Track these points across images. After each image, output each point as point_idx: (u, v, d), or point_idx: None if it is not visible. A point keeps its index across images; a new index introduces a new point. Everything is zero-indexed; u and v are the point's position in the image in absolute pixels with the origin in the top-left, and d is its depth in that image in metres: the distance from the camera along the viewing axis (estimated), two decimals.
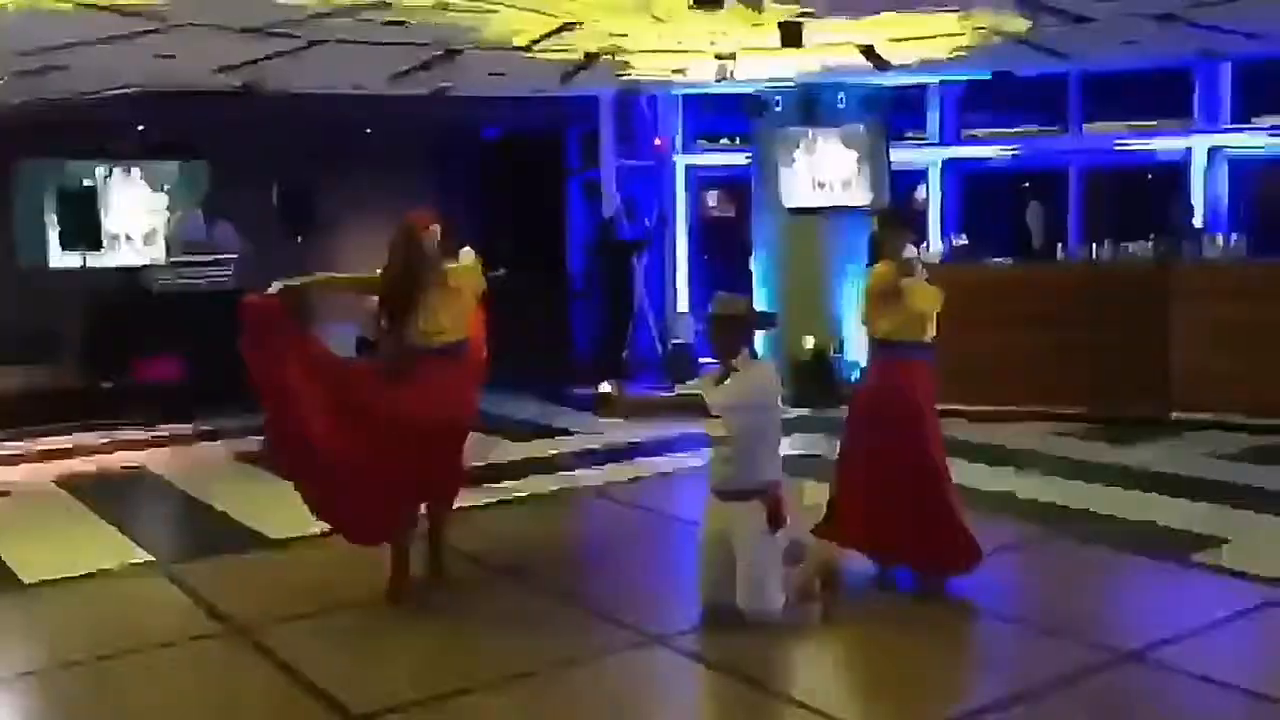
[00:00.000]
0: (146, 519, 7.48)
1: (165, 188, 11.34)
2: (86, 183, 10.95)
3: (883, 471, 5.22)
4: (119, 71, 8.48)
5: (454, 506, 5.78)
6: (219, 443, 9.22)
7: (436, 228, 5.47)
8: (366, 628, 5.13)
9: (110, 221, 10.96)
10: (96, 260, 10.67)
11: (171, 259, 10.81)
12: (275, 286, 5.42)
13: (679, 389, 5.22)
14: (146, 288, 10.61)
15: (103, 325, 10.40)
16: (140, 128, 10.70)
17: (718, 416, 4.86)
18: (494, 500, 7.15)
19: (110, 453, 8.91)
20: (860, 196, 10.32)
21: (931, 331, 5.31)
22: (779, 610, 4.91)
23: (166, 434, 9.49)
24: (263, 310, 5.33)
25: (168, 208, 11.20)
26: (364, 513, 5.33)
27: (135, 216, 11.13)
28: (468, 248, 5.77)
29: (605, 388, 4.97)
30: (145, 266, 10.80)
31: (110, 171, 11.11)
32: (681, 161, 12.48)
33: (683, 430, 8.40)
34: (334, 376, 5.39)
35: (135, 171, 11.18)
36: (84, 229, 10.52)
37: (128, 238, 11.20)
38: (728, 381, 4.95)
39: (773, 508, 4.92)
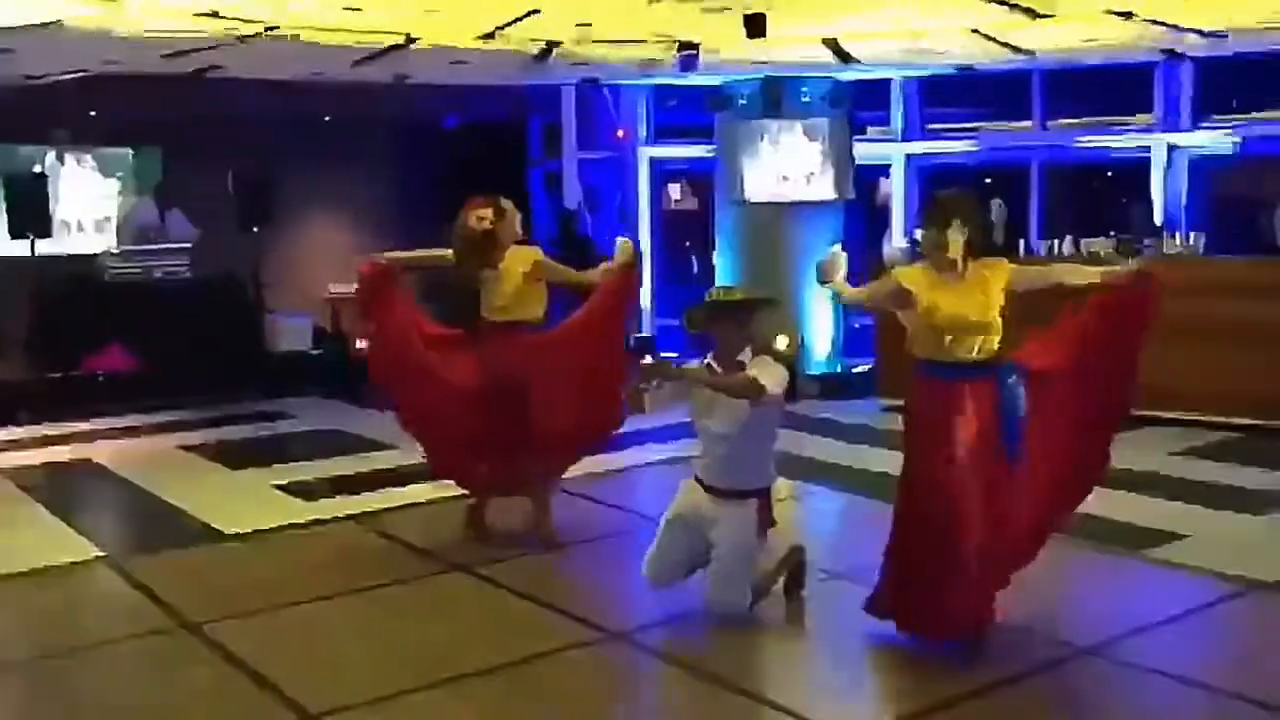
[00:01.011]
0: (96, 513, 7.34)
1: (118, 175, 11.17)
2: (36, 169, 10.76)
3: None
4: (69, 55, 8.30)
5: (545, 474, 6.09)
6: (171, 435, 9.06)
7: (485, 212, 5.72)
8: (321, 624, 5.06)
9: (61, 208, 10.77)
10: (47, 248, 10.47)
11: (123, 247, 10.63)
12: (382, 258, 6.04)
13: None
14: (98, 276, 10.42)
15: (52, 314, 10.20)
16: (92, 113, 10.50)
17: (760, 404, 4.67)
18: (451, 494, 7.08)
19: (58, 445, 8.73)
20: (824, 190, 10.33)
21: (962, 347, 4.33)
22: (746, 607, 4.87)
23: (117, 426, 9.32)
24: (376, 272, 5.96)
25: (120, 195, 11.04)
26: (450, 458, 6.08)
27: (87, 204, 10.95)
28: (623, 238, 6.25)
29: (648, 360, 4.93)
30: (97, 255, 10.62)
31: (61, 158, 10.92)
32: (645, 154, 12.44)
33: (649, 424, 8.39)
34: (426, 334, 6.05)
35: (87, 158, 11.00)
36: (34, 216, 10.31)
37: (79, 225, 11.03)
38: (751, 370, 4.72)
39: (765, 511, 4.85)
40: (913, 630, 4.55)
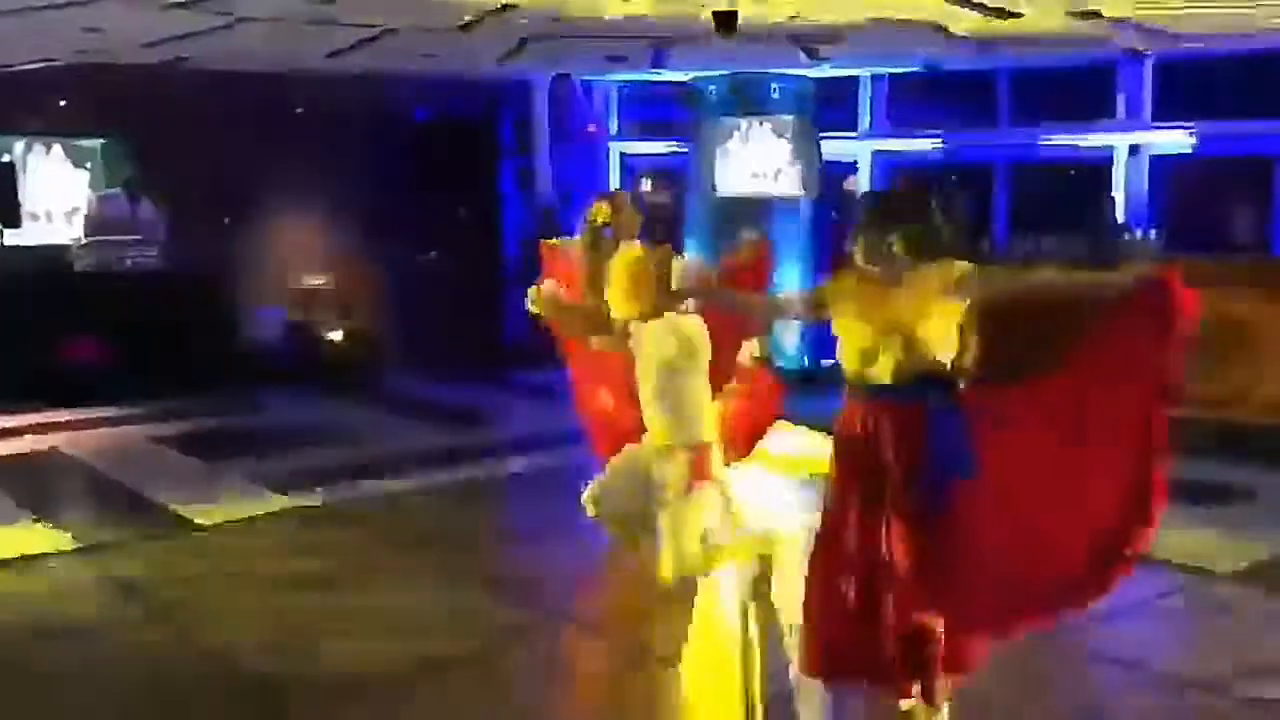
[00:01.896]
0: (66, 503, 7.30)
1: (87, 165, 11.10)
2: (4, 158, 10.69)
3: None
4: (42, 44, 8.27)
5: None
6: (141, 426, 9.04)
7: (603, 205, 5.72)
8: (296, 614, 5.09)
9: (29, 199, 10.71)
10: (15, 239, 10.41)
11: (94, 238, 10.56)
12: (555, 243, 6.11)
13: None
14: (68, 267, 10.36)
15: (22, 305, 10.13)
16: (62, 102, 10.44)
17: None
18: (420, 485, 7.13)
19: (28, 435, 8.69)
20: (792, 186, 10.43)
21: (883, 364, 3.60)
22: (697, 571, 4.86)
23: (87, 417, 9.28)
24: (562, 250, 6.05)
25: (90, 185, 10.97)
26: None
27: (56, 194, 10.88)
28: (752, 233, 6.34)
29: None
30: (67, 246, 10.55)
31: (30, 147, 10.85)
32: (616, 148, 12.49)
33: None
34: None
35: (56, 147, 10.93)
36: (1, 206, 10.26)
37: (48, 216, 10.95)
38: (656, 324, 4.76)
39: (696, 460, 4.82)
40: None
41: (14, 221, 10.32)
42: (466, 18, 7.59)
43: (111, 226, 10.59)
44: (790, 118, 10.30)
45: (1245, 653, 4.59)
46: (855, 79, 11.40)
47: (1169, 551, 5.61)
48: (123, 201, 10.77)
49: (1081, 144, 11.00)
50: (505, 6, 8.11)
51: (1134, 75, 10.46)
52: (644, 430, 5.07)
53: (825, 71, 10.22)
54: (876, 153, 11.73)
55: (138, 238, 10.51)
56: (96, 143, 11.16)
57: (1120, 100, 10.61)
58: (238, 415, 9.45)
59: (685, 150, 11.19)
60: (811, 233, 10.87)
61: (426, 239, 12.15)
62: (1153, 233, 9.46)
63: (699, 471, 4.83)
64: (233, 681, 4.38)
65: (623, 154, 12.54)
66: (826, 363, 10.70)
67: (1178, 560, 5.51)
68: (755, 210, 10.58)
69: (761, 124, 10.37)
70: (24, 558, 5.85)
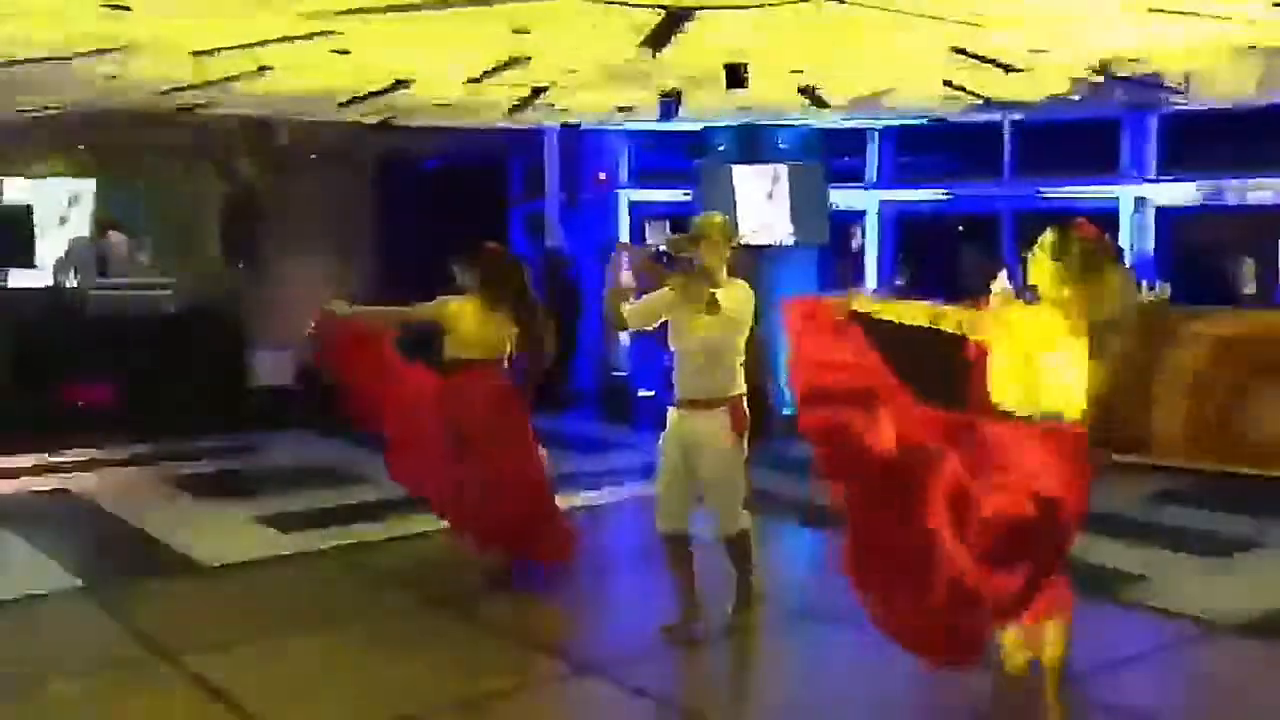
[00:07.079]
0: (76, 543, 7.33)
1: (103, 207, 11.22)
2: (20, 200, 10.81)
3: None
4: (62, 88, 8.39)
5: None
6: (150, 467, 9.08)
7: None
8: (300, 656, 5.10)
9: (43, 240, 10.82)
10: (26, 279, 10.51)
11: (110, 279, 10.64)
12: None
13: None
14: (79, 307, 10.44)
15: (33, 345, 10.21)
16: (80, 146, 10.59)
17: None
18: (428, 529, 7.14)
19: (39, 475, 8.74)
20: (800, 235, 10.51)
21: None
22: (747, 530, 5.10)
23: (96, 457, 9.32)
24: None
25: (104, 228, 11.08)
26: None
27: (69, 236, 10.99)
28: None
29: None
30: (78, 287, 10.64)
31: (38, 189, 10.97)
32: (625, 196, 12.60)
33: (616, 464, 8.51)
34: None
35: (64, 191, 11.05)
36: (17, 247, 10.38)
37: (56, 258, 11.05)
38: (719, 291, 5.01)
39: (737, 414, 5.03)
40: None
41: (29, 262, 10.44)
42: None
43: (84, 266, 10.66)
44: (798, 166, 10.39)
45: (1248, 705, 4.57)
46: (862, 129, 11.51)
47: (1175, 602, 5.62)
48: (97, 241, 10.86)
49: (1085, 196, 11.07)
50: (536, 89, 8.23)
51: (1139, 128, 10.55)
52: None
53: (832, 122, 10.32)
54: (884, 202, 11.81)
55: (152, 280, 10.60)
56: (111, 185, 11.29)
57: (1125, 152, 10.69)
58: (247, 457, 9.49)
59: (693, 198, 11.28)
60: (818, 281, 10.93)
61: (434, 285, 12.22)
62: (1159, 284, 9.50)
63: (740, 422, 5.04)
64: None
65: (631, 202, 12.64)
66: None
67: (1183, 611, 5.51)
68: (763, 258, 10.64)
69: (769, 173, 10.47)
70: (31, 597, 5.88)
